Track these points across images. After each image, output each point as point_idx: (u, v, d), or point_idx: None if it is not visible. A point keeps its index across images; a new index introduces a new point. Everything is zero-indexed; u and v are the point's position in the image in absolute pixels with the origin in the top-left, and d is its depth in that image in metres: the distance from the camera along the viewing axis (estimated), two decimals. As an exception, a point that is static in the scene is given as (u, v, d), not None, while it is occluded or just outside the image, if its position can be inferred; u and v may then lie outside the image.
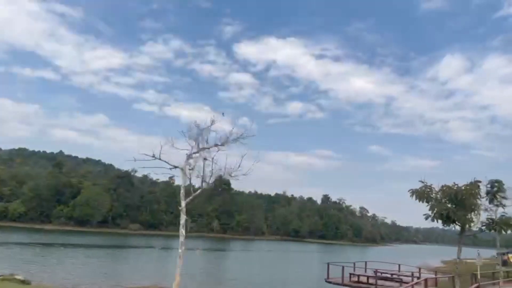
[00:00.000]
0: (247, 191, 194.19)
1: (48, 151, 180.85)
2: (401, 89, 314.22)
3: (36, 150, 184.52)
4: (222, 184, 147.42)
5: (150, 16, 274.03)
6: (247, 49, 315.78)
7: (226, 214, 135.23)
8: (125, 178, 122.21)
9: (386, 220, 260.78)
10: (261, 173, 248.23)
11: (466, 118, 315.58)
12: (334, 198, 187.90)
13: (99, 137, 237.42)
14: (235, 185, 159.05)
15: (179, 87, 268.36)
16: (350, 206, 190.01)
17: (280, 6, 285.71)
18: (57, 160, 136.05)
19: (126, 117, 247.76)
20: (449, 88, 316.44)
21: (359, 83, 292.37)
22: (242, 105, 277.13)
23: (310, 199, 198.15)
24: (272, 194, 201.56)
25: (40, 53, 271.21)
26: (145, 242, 73.00)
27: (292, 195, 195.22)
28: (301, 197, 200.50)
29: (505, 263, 36.10)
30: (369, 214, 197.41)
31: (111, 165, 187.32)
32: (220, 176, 14.19)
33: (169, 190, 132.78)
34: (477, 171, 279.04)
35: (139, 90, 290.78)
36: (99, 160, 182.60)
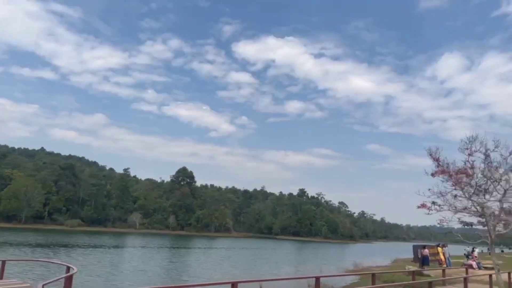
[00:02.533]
0: (223, 186, 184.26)
1: (30, 149, 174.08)
2: (400, 87, 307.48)
3: (16, 147, 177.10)
4: (184, 177, 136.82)
5: (149, 15, 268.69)
6: (246, 49, 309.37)
7: (185, 209, 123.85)
8: (68, 169, 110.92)
9: (375, 217, 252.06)
10: (259, 172, 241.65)
11: (465, 116, 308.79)
12: (328, 195, 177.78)
13: (98, 136, 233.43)
14: (201, 180, 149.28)
15: (178, 86, 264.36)
16: (330, 201, 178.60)
17: (278, 5, 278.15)
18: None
19: (125, 116, 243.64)
20: (448, 87, 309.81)
21: (358, 82, 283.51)
22: (241, 104, 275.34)
23: (290, 194, 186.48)
24: (251, 189, 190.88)
25: (39, 53, 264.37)
26: (76, 240, 60.89)
27: (280, 191, 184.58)
28: (281, 193, 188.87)
29: (425, 260, 24.74)
30: (348, 209, 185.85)
31: (95, 162, 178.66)
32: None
33: (122, 183, 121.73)
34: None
35: (138, 89, 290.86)
36: (83, 157, 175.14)
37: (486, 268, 27.75)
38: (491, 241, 9.87)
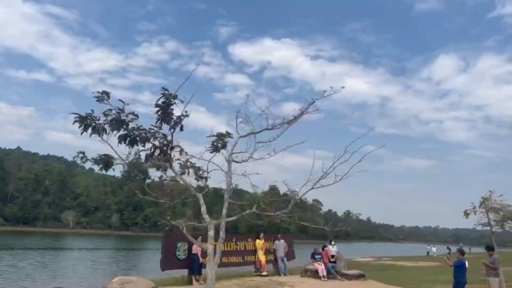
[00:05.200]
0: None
1: (7, 148, 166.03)
2: (396, 89, 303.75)
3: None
4: (137, 172, 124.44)
5: (146, 17, 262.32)
6: (242, 50, 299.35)
7: (132, 207, 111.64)
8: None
9: (361, 217, 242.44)
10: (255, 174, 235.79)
11: (461, 118, 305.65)
12: (322, 197, 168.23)
13: (95, 139, 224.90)
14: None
15: (174, 88, 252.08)
16: (305, 199, 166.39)
17: (275, 7, 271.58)
18: None
19: None
20: (444, 88, 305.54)
21: (355, 83, 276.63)
22: (238, 106, 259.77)
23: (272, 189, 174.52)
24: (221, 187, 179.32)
25: (35, 55, 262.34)
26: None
27: (269, 189, 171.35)
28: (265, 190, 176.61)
29: (194, 263, 12.83)
30: (323, 208, 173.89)
31: (74, 162, 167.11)
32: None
33: (59, 177, 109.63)
34: (472, 171, 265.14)
35: (135, 91, 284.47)
36: (62, 157, 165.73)
37: (346, 276, 15.93)
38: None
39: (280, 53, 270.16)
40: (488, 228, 22.67)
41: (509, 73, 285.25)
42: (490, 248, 11.34)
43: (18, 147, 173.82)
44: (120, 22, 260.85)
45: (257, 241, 15.60)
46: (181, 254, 12.78)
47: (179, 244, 12.77)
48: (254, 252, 15.44)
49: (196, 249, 12.91)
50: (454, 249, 58.72)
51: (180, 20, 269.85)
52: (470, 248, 65.37)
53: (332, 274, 15.95)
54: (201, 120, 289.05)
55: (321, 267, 15.68)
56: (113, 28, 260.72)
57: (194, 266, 12.83)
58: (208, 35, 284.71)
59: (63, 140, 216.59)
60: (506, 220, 12.81)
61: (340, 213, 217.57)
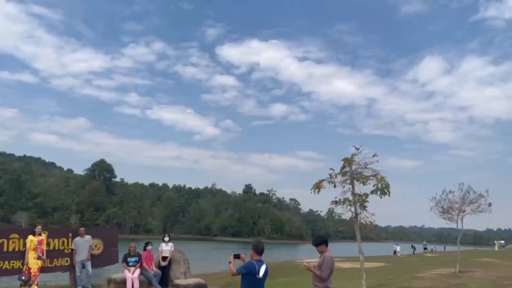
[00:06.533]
0: (171, 185, 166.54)
1: None
2: (382, 90, 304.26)
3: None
4: (101, 171, 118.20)
5: (132, 18, 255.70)
6: (230, 52, 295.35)
7: (94, 208, 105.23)
8: None
9: (343, 217, 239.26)
10: (244, 175, 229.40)
11: (445, 119, 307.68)
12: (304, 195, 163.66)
13: (80, 141, 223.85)
14: (127, 176, 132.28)
15: (161, 89, 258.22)
16: (283, 198, 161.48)
17: (262, 8, 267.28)
18: None
19: (108, 120, 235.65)
20: (429, 90, 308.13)
21: (341, 85, 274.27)
22: (226, 107, 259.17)
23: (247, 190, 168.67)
24: (201, 187, 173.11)
25: (19, 55, 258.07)
26: None
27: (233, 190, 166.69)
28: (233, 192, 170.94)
29: None
30: (303, 207, 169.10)
31: (52, 163, 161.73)
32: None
33: (13, 176, 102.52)
34: (456, 171, 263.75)
35: (121, 93, 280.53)
36: (39, 158, 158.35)
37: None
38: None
39: (268, 54, 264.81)
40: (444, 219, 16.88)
41: (491, 75, 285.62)
42: (319, 242, 6.13)
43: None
44: (105, 23, 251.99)
45: (29, 237, 10.10)
46: None
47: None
48: (20, 255, 9.95)
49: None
50: (418, 247, 54.46)
51: (167, 20, 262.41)
52: (434, 248, 61.25)
53: (153, 284, 10.65)
54: (189, 121, 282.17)
55: (131, 276, 10.32)
56: (98, 29, 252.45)
57: None
58: (195, 36, 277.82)
59: (48, 141, 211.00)
60: (377, 193, 7.58)
61: (323, 214, 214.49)
